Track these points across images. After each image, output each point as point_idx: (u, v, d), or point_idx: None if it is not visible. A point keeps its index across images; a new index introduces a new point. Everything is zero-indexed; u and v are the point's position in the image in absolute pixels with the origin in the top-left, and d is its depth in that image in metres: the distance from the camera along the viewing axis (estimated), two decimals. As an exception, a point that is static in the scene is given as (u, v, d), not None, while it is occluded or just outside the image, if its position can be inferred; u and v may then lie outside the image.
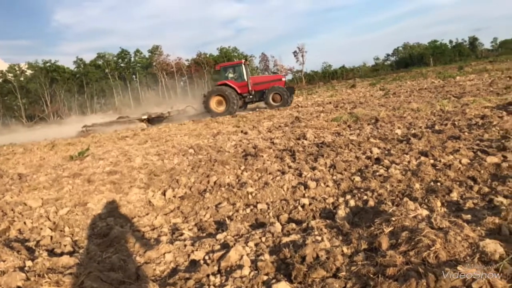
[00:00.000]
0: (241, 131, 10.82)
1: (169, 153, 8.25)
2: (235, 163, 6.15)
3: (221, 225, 3.72)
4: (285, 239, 2.92)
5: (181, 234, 3.59)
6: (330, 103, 17.45)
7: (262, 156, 6.36)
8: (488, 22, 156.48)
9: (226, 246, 3.00)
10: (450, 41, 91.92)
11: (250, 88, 20.88)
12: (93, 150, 10.40)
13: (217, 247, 3.03)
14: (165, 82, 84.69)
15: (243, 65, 21.16)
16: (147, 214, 4.53)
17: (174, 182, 5.57)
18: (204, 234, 3.58)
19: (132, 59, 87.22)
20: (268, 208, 4.03)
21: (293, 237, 2.95)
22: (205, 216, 4.11)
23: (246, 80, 20.81)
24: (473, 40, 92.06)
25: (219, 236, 3.23)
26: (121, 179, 6.05)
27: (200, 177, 5.63)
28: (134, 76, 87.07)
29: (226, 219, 3.85)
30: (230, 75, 21.33)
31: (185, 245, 3.15)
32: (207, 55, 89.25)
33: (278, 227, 3.28)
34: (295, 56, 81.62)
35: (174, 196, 4.98)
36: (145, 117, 21.56)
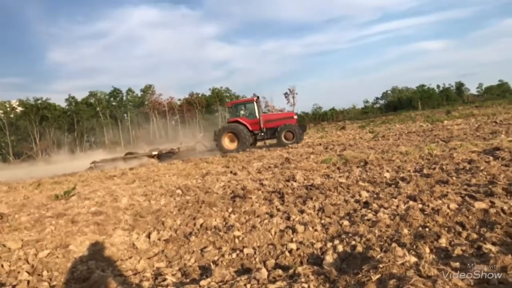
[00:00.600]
0: (231, 172, 10.76)
1: (156, 194, 8.14)
2: (223, 205, 6.07)
3: (205, 271, 3.61)
4: (271, 287, 2.83)
5: (164, 280, 3.46)
6: (320, 144, 17.56)
7: (251, 198, 6.30)
8: (473, 68, 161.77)
9: (209, 294, 2.89)
10: (438, 86, 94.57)
11: (261, 126, 20.83)
12: (80, 189, 10.22)
13: (200, 294, 2.92)
14: (156, 121, 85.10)
15: (255, 103, 21.26)
16: (130, 258, 4.39)
17: (159, 224, 5.45)
18: (188, 280, 3.46)
19: (124, 97, 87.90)
20: (255, 253, 3.93)
21: (279, 284, 2.86)
22: (190, 260, 3.99)
23: (258, 117, 20.85)
24: (460, 85, 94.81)
25: (202, 283, 3.12)
26: (105, 220, 5.91)
27: (187, 219, 5.53)
28: (125, 115, 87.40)
29: (211, 264, 3.74)
30: (242, 112, 21.44)
31: (167, 292, 3.03)
32: (199, 95, 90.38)
33: (264, 273, 3.19)
34: (286, 97, 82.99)
35: (159, 239, 4.86)
36: (156, 152, 21.21)
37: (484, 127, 14.92)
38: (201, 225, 5.13)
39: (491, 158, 7.07)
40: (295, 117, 21.92)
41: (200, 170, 12.76)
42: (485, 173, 5.77)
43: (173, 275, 3.62)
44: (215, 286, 3.02)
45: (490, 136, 11.11)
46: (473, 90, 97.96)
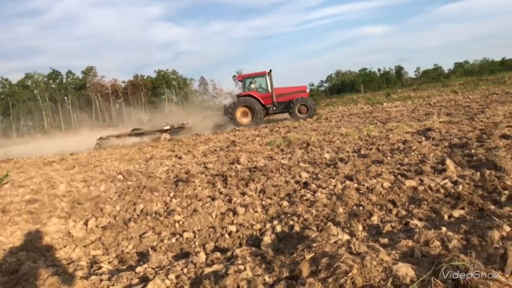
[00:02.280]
0: (176, 156, 10.61)
1: (97, 179, 7.86)
2: (165, 190, 5.97)
3: (143, 257, 3.54)
4: (208, 270, 2.83)
5: (99, 268, 3.36)
6: (266, 127, 17.71)
7: (194, 182, 6.24)
8: (412, 53, 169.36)
9: (145, 280, 2.85)
10: (379, 70, 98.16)
11: (274, 100, 20.47)
12: (14, 176, 9.64)
13: (136, 280, 2.87)
14: (99, 104, 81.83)
15: (267, 76, 20.72)
16: (65, 246, 4.22)
17: (98, 211, 5.28)
18: (125, 267, 3.39)
19: (64, 80, 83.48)
20: (195, 236, 3.92)
21: (216, 267, 2.87)
22: (128, 247, 3.91)
23: (270, 91, 20.47)
24: (399, 69, 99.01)
25: (139, 269, 3.07)
26: (40, 208, 5.63)
27: (127, 205, 5.39)
28: (66, 98, 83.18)
29: (150, 249, 3.68)
30: (253, 86, 20.90)
31: (101, 280, 2.95)
32: (145, 77, 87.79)
33: (202, 257, 3.19)
34: (234, 80, 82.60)
35: (97, 226, 4.71)
36: (168, 127, 20.03)
37: (419, 109, 15.72)
38: (141, 211, 5.03)
39: (423, 138, 7.47)
40: (307, 90, 21.59)
41: (144, 154, 12.48)
42: (416, 153, 6.10)
43: (109, 262, 3.53)
44: (151, 272, 2.98)
45: (424, 118, 11.73)
46: (411, 74, 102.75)
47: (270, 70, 20.63)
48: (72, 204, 5.81)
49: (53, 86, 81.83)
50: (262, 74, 20.97)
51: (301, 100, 19.97)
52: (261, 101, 20.23)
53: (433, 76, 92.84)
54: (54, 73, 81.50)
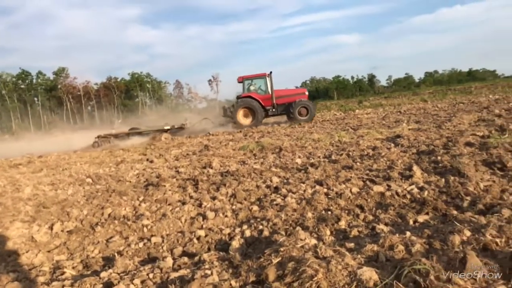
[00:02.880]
0: (147, 159, 10.48)
1: (64, 183, 7.67)
2: (134, 194, 5.88)
3: (109, 261, 3.47)
4: (174, 275, 2.80)
5: (63, 273, 3.27)
6: (240, 131, 17.71)
7: (164, 186, 6.17)
8: (384, 62, 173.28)
9: (109, 285, 2.79)
10: (352, 77, 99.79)
11: (274, 101, 20.29)
12: (-23, 179, 9.29)
13: (99, 286, 2.80)
14: (71, 106, 79.98)
15: (267, 78, 20.51)
16: (27, 252, 4.07)
17: (64, 215, 5.14)
18: (89, 272, 3.30)
19: (34, 80, 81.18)
20: (163, 241, 3.87)
21: (182, 272, 2.84)
22: (93, 251, 3.81)
23: (270, 93, 20.30)
24: (372, 77, 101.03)
25: (103, 274, 3.00)
26: (3, 212, 5.45)
27: (94, 209, 5.27)
28: (35, 99, 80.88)
29: (116, 254, 3.61)
30: (252, 88, 20.76)
31: (63, 286, 2.87)
32: (118, 80, 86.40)
33: (169, 261, 3.15)
34: (209, 84, 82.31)
35: (62, 231, 4.57)
36: (168, 127, 19.52)
37: (390, 116, 16.08)
38: (109, 215, 4.92)
39: (392, 145, 7.64)
40: (307, 93, 21.40)
41: (115, 158, 12.26)
42: (385, 159, 6.22)
43: (73, 267, 3.44)
44: (116, 277, 2.92)
45: (393, 125, 11.99)
46: (384, 82, 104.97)
47: (271, 72, 20.53)
48: (37, 207, 5.64)
49: (22, 86, 79.43)
50: (262, 76, 20.83)
51: (302, 103, 19.87)
52: (261, 102, 20.12)
53: (404, 85, 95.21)
54: (24, 74, 79.11)
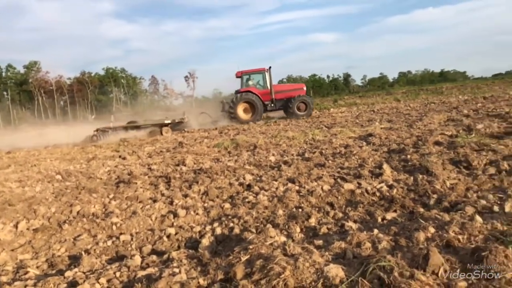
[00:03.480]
0: (119, 156, 10.30)
1: (33, 180, 7.46)
2: (105, 191, 5.77)
3: (75, 260, 3.38)
4: (141, 273, 2.76)
5: (26, 273, 3.18)
6: (215, 129, 17.64)
7: (136, 183, 6.08)
8: (359, 61, 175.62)
9: (74, 284, 2.72)
10: (328, 76, 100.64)
11: (273, 97, 20.21)
12: None
13: (63, 286, 2.73)
14: (42, 101, 77.79)
15: (266, 73, 20.38)
16: (-10, 251, 3.94)
17: (31, 213, 4.99)
18: (54, 271, 3.22)
19: (4, 74, 78.49)
20: (132, 239, 3.81)
21: (150, 270, 2.80)
22: (60, 250, 3.71)
23: (269, 88, 20.19)
24: (347, 76, 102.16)
25: (68, 273, 2.93)
26: (-34, 210, 5.24)
27: (63, 206, 5.14)
28: (5, 93, 78.24)
29: (83, 253, 3.53)
30: (251, 83, 20.59)
31: (26, 286, 2.78)
32: (92, 75, 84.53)
33: (137, 260, 3.10)
34: (186, 81, 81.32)
35: (28, 229, 4.44)
36: (169, 121, 18.83)
37: (363, 115, 16.32)
38: (77, 213, 4.81)
39: (364, 143, 7.76)
40: (305, 88, 21.45)
41: (87, 154, 12.00)
42: (357, 157, 6.31)
43: (37, 267, 3.34)
44: (82, 276, 2.85)
45: (366, 124, 12.18)
46: (359, 81, 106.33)
47: (270, 67, 20.45)
48: (3, 205, 5.45)
49: (-10, 80, 76.79)
50: (261, 71, 20.76)
51: (301, 98, 19.92)
52: (260, 97, 20.06)
53: (378, 84, 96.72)
54: (-8, 66, 76.51)
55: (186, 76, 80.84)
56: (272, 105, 20.42)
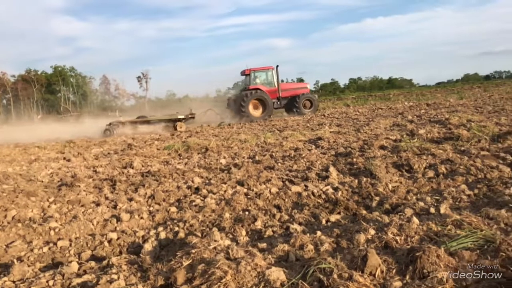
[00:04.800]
0: (64, 158, 9.85)
1: (-35, 183, 6.94)
2: (45, 194, 5.48)
3: (6, 269, 3.17)
4: (77, 281, 2.63)
5: (-51, 284, 2.94)
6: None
7: (79, 186, 5.83)
8: (312, 67, 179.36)
9: (1, 295, 2.55)
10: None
11: (280, 94, 20.54)
12: None
13: (-10, 297, 2.55)
14: (-18, 98, 73.24)
15: (274, 71, 20.74)
16: None
17: (-40, 219, 4.64)
18: (-19, 282, 3.00)
19: None
20: (71, 245, 3.62)
21: (86, 277, 2.67)
22: (-11, 258, 3.48)
23: (276, 86, 20.59)
24: (300, 81, 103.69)
25: (-4, 283, 2.74)
26: None
27: (-4, 211, 4.82)
28: None
29: (15, 260, 3.32)
30: (258, 81, 20.86)
31: None
32: (39, 73, 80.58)
33: (74, 266, 2.95)
34: (139, 81, 79.26)
35: (-45, 236, 4.12)
36: (182, 116, 18.49)
37: (314, 119, 16.66)
38: (12, 217, 4.52)
39: (313, 146, 7.90)
40: (309, 87, 22.24)
41: (29, 156, 11.37)
42: (305, 160, 6.40)
43: (-37, 277, 3.10)
44: (11, 286, 2.67)
45: (317, 127, 12.43)
46: (311, 87, 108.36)
47: (277, 66, 20.85)
48: None
49: None
50: (270, 69, 21.15)
51: (306, 96, 20.72)
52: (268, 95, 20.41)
53: (330, 90, 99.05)
54: None
55: (139, 77, 78.83)
56: (278, 103, 20.85)
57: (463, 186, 4.29)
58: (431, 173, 4.94)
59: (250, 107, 20.11)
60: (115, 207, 4.66)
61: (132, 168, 7.27)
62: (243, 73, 21.74)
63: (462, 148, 6.11)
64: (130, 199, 4.91)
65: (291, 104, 20.92)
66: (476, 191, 4.15)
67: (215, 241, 3.15)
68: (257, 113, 20.21)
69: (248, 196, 4.57)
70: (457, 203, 3.83)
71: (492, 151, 5.66)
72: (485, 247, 2.49)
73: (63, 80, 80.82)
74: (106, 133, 17.67)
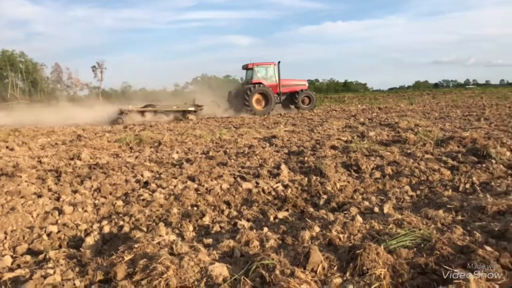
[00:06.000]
0: (7, 147, 9.31)
1: None
2: (-19, 185, 5.15)
3: None
4: (9, 275, 2.49)
5: None
6: (122, 123, 16.87)
7: (21, 177, 5.53)
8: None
9: None
10: (241, 78, 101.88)
11: (280, 90, 21.03)
12: None
13: None
14: None
15: (275, 66, 21.17)
16: None
17: None
18: None
19: None
20: (6, 238, 3.43)
21: (19, 272, 2.54)
22: None
23: (277, 81, 21.02)
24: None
25: None
26: None
27: None
28: None
29: None
30: (260, 75, 21.17)
31: None
32: (-19, 56, 75.77)
33: (7, 260, 2.80)
34: (93, 71, 76.21)
35: None
36: (192, 108, 18.93)
37: (271, 118, 16.84)
38: None
39: (267, 144, 7.95)
40: (307, 84, 22.72)
41: (-33, 144, 10.67)
42: (258, 157, 6.43)
43: None
44: None
45: (272, 126, 12.55)
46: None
47: (279, 62, 21.29)
48: None
49: None
50: (272, 64, 21.54)
51: (305, 92, 21.48)
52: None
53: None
54: None
55: (94, 66, 75.84)
56: (278, 97, 21.19)
57: (407, 187, 4.47)
58: (378, 174, 5.11)
59: (254, 101, 20.38)
60: (58, 199, 4.47)
61: (80, 159, 7.00)
62: (245, 67, 22.06)
63: (409, 151, 6.36)
64: (75, 192, 4.72)
65: (290, 99, 21.66)
66: (418, 192, 4.34)
67: (160, 236, 3.09)
68: (259, 106, 20.53)
69: (198, 192, 4.52)
70: (400, 203, 3.98)
71: (435, 155, 5.93)
72: (422, 245, 2.59)
73: (11, 65, 76.48)
74: (119, 121, 17.44)
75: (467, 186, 4.42)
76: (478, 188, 4.29)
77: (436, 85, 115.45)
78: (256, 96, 20.53)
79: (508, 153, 5.55)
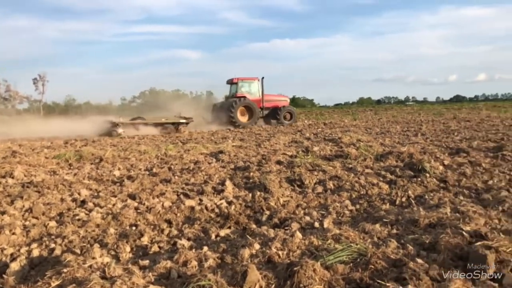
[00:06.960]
0: None
1: None
2: None
3: None
4: None
5: None
6: (61, 139, 16.09)
7: None
8: (222, 81, 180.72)
9: None
10: (191, 92, 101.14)
11: (263, 104, 21.65)
12: None
13: None
14: None
15: (259, 82, 21.88)
16: None
17: None
18: None
19: None
20: None
21: None
22: None
23: (260, 96, 21.71)
24: (210, 94, 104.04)
25: None
26: None
27: None
28: None
29: None
30: (244, 90, 21.94)
31: None
32: None
33: None
34: (34, 83, 72.31)
35: None
36: (184, 121, 18.69)
37: (219, 132, 16.77)
38: None
39: (214, 160, 7.88)
40: (288, 100, 23.82)
41: None
42: (204, 173, 6.35)
43: None
44: None
45: (220, 141, 12.50)
46: (220, 100, 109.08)
47: (263, 77, 21.91)
48: None
49: None
50: (254, 80, 22.43)
51: (286, 108, 22.43)
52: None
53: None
54: None
55: (35, 79, 72.06)
56: (261, 112, 21.87)
57: (347, 202, 4.58)
58: (320, 189, 5.20)
59: (238, 114, 20.86)
60: (-18, 221, 4.13)
61: (12, 177, 6.55)
62: (230, 81, 22.79)
63: (350, 166, 6.53)
64: (3, 213, 4.39)
65: (272, 115, 22.27)
66: (357, 206, 4.46)
67: (93, 258, 2.94)
68: (244, 119, 21.18)
69: (138, 211, 4.37)
70: (340, 217, 4.06)
71: (375, 169, 6.14)
72: (358, 260, 2.63)
73: None
74: (113, 133, 17.01)
75: (403, 199, 4.60)
76: (413, 201, 4.48)
77: (378, 102, 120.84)
78: (240, 109, 21.15)
79: (441, 167, 5.87)
